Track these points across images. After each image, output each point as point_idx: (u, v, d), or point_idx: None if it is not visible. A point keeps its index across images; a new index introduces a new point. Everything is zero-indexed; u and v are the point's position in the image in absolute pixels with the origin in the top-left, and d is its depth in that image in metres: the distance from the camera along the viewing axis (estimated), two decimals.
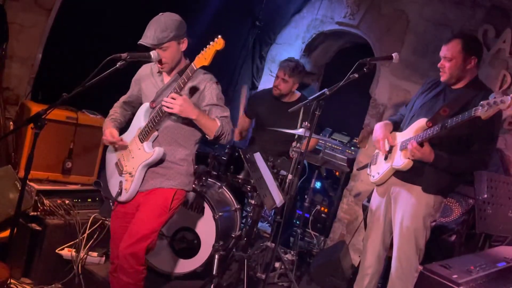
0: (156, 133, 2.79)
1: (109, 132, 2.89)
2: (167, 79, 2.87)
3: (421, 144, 2.95)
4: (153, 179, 2.85)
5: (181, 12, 2.79)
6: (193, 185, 3.32)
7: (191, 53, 2.80)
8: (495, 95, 2.63)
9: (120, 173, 2.92)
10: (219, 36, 2.43)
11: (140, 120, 2.84)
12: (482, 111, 2.64)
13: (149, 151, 2.78)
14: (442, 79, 3.09)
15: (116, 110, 3.07)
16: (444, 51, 3.05)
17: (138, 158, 2.83)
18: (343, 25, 5.26)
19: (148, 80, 2.93)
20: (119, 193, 2.91)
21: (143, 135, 2.80)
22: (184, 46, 2.77)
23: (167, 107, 2.60)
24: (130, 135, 2.90)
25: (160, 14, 2.72)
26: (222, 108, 2.81)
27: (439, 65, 3.08)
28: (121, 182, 2.92)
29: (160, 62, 2.74)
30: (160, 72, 2.88)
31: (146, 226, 2.77)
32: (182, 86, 2.60)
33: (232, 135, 2.82)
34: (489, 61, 4.16)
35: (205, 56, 2.39)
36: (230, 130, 2.79)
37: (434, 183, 3.06)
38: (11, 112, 3.78)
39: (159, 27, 2.66)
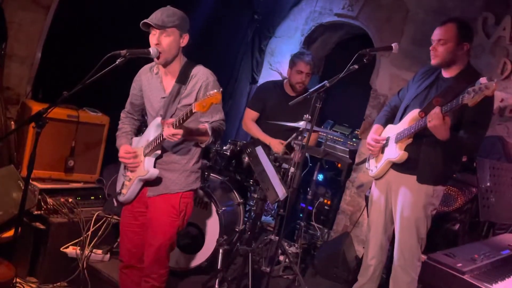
0: (159, 152, 2.77)
1: (124, 150, 2.85)
2: (167, 86, 2.81)
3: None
4: (159, 184, 2.84)
5: (180, 6, 2.77)
6: None
7: (189, 48, 2.80)
8: (481, 82, 2.62)
9: (125, 173, 2.93)
10: (220, 91, 2.43)
11: (150, 133, 2.81)
12: (468, 98, 2.65)
13: (146, 169, 2.77)
14: (433, 62, 3.06)
15: (123, 122, 3.04)
16: (438, 34, 3.02)
17: (137, 170, 2.83)
18: (342, 16, 5.23)
19: (148, 82, 2.89)
20: (119, 193, 2.94)
21: (146, 149, 2.79)
22: (184, 42, 2.75)
23: (169, 138, 2.57)
24: (141, 143, 2.87)
25: (168, 6, 2.74)
26: (216, 111, 2.78)
27: (431, 48, 3.05)
28: (123, 183, 2.92)
29: (157, 57, 2.69)
30: (158, 73, 2.84)
31: (161, 236, 2.83)
32: (181, 122, 2.51)
33: (222, 136, 2.86)
34: (490, 48, 4.14)
35: (203, 104, 2.40)
36: (221, 134, 2.82)
37: (428, 174, 3.05)
38: (12, 111, 3.77)
39: (166, 12, 2.68)
